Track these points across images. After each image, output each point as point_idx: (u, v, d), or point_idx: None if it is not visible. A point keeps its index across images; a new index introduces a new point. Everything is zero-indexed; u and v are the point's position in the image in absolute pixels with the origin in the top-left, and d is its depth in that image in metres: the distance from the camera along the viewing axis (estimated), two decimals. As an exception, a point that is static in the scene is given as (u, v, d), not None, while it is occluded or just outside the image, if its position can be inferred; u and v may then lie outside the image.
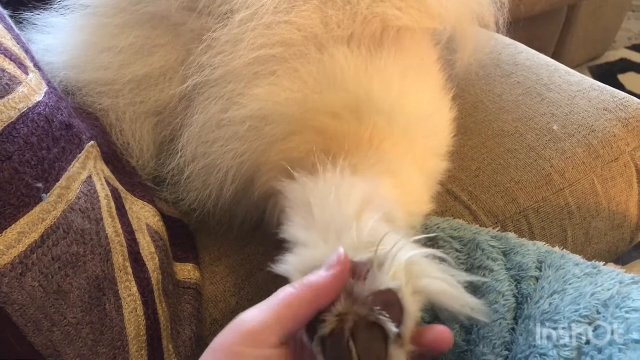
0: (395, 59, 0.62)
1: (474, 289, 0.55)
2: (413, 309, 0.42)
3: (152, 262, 0.59)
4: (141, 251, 0.59)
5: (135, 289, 0.56)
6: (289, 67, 0.59)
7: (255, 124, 0.59)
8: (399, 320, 0.41)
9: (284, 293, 0.40)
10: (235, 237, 0.71)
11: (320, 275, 0.40)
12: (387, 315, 0.40)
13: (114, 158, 0.66)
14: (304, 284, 0.40)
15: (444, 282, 0.44)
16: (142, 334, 0.55)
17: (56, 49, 0.69)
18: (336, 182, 0.51)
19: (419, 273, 0.43)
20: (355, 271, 0.43)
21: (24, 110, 0.52)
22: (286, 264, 0.46)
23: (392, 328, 0.40)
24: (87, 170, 0.57)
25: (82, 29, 0.68)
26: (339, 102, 0.59)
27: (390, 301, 0.41)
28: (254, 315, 0.39)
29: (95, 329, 0.51)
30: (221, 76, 0.61)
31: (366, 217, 0.47)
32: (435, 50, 0.72)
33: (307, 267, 0.44)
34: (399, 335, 0.40)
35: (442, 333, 0.42)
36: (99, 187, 0.57)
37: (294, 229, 0.50)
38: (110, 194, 0.59)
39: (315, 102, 0.59)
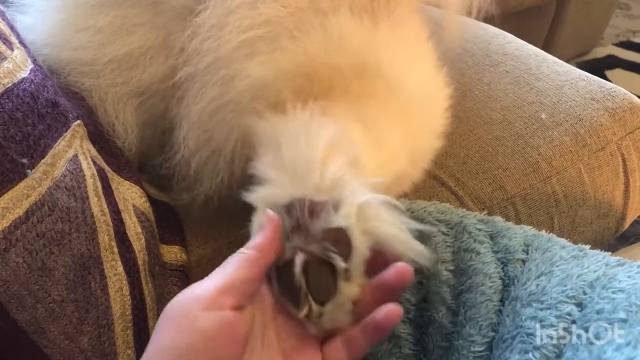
0: (395, 31, 0.62)
1: (461, 272, 0.55)
2: (361, 247, 0.45)
3: (138, 242, 0.59)
4: (127, 231, 0.58)
5: (121, 269, 0.55)
6: (288, 36, 0.59)
7: (256, 93, 0.59)
8: (346, 256, 0.44)
9: (231, 258, 0.43)
10: (222, 219, 0.70)
11: (261, 236, 0.44)
12: (336, 251, 0.44)
13: (100, 138, 0.65)
14: (248, 246, 0.44)
15: (392, 226, 0.46)
16: (127, 313, 0.55)
17: (36, 27, 0.68)
18: (306, 121, 0.52)
19: (370, 216, 0.46)
20: (314, 210, 0.46)
21: (8, 86, 0.51)
22: (255, 194, 0.49)
23: (340, 263, 0.44)
24: (73, 149, 0.57)
25: (58, 8, 0.67)
26: (348, 62, 0.59)
27: (340, 239, 0.45)
28: (207, 283, 0.41)
29: (80, 307, 0.51)
30: (211, 62, 0.60)
31: (331, 160, 0.49)
32: (425, 28, 0.72)
33: (272, 202, 0.47)
34: (346, 270, 0.44)
35: (402, 269, 0.44)
36: (84, 166, 0.57)
37: (263, 167, 0.51)
38: (96, 173, 0.58)
39: (322, 59, 0.58)
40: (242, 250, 0.44)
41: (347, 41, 0.59)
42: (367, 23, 0.61)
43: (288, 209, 0.47)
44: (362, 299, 0.45)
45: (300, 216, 0.46)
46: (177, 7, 0.62)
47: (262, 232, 0.44)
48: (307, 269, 0.44)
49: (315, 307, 0.44)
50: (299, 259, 0.44)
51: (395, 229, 0.46)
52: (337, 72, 0.59)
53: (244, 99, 0.59)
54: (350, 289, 0.44)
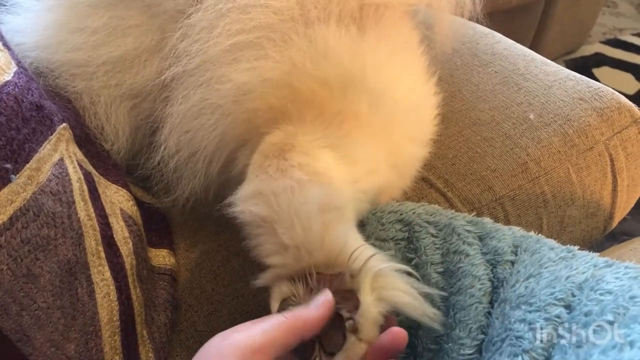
0: (381, 41, 0.62)
1: (450, 274, 0.55)
2: (372, 309, 0.48)
3: (125, 246, 0.58)
4: (114, 235, 0.58)
5: (108, 274, 0.55)
6: (275, 44, 0.59)
7: (239, 98, 0.59)
8: (353, 310, 0.47)
9: (276, 319, 0.44)
10: (210, 223, 0.70)
11: (309, 310, 0.46)
12: (344, 305, 0.48)
13: (86, 141, 0.64)
14: (294, 315, 0.45)
15: (406, 294, 0.49)
16: (115, 319, 0.54)
17: (26, 29, 0.67)
18: (287, 196, 0.52)
19: (384, 284, 0.49)
20: (331, 281, 0.49)
21: (-9, 89, 0.50)
22: (265, 277, 0.52)
23: (346, 314, 0.47)
24: (59, 153, 0.56)
25: (51, 9, 0.66)
26: (333, 73, 0.58)
27: (349, 296, 0.48)
28: (249, 334, 0.43)
29: (67, 314, 0.50)
30: (199, 65, 0.60)
31: (331, 232, 0.51)
32: (416, 32, 0.72)
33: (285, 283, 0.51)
34: (354, 323, 0.47)
35: (397, 334, 0.47)
36: (70, 169, 0.56)
37: (267, 256, 0.53)
38: (82, 177, 0.57)
39: (307, 69, 0.58)
40: (286, 314, 0.45)
41: (332, 51, 0.59)
42: (353, 32, 0.60)
43: (303, 279, 0.50)
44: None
45: (313, 286, 0.49)
46: (171, 10, 0.62)
47: (314, 309, 0.46)
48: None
49: (324, 357, 0.47)
50: None
51: (408, 297, 0.49)
52: (322, 85, 0.58)
53: (226, 103, 0.59)
54: (359, 345, 0.47)
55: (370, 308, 0.48)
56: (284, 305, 0.50)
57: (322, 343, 0.47)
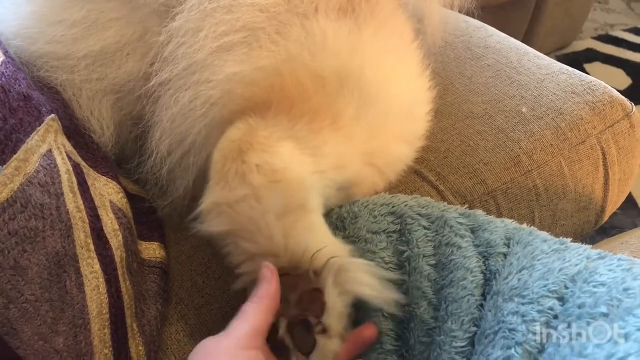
0: (378, 35, 0.61)
1: (442, 267, 0.55)
2: (337, 304, 0.52)
3: (115, 239, 0.58)
4: (104, 228, 0.57)
5: (97, 266, 0.54)
6: (269, 37, 0.58)
7: (231, 86, 0.58)
8: (319, 312, 0.52)
9: (250, 307, 0.49)
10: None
11: (267, 286, 0.51)
12: (309, 310, 0.52)
13: (76, 133, 0.63)
14: (260, 297, 0.50)
15: (367, 286, 0.53)
16: (104, 312, 0.54)
17: (5, 19, 0.66)
18: (245, 208, 0.54)
19: (346, 278, 0.53)
20: (296, 283, 0.53)
21: (-22, 79, 0.49)
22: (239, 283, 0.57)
23: (313, 319, 0.52)
24: (47, 144, 0.55)
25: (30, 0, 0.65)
26: (330, 66, 0.58)
27: (316, 298, 0.52)
28: (239, 330, 0.48)
29: (55, 307, 0.50)
30: (185, 68, 0.59)
31: (292, 236, 0.54)
32: (409, 25, 0.71)
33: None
34: (323, 327, 0.52)
35: (365, 329, 0.54)
36: (59, 161, 0.55)
37: (237, 265, 0.56)
38: (71, 169, 0.57)
39: (305, 60, 0.58)
40: (253, 300, 0.50)
41: (330, 43, 0.59)
42: (350, 26, 0.60)
43: None
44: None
45: (284, 286, 0.52)
46: (154, 4, 0.61)
47: (268, 282, 0.51)
48: (292, 329, 0.52)
49: (302, 358, 0.52)
50: (282, 324, 0.52)
51: (368, 288, 0.53)
52: (315, 78, 0.58)
53: (216, 93, 0.58)
54: (331, 342, 0.52)
55: (335, 305, 0.52)
56: None
57: (296, 346, 0.52)
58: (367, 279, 0.53)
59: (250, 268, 0.55)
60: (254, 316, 0.49)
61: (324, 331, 0.52)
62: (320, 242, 0.54)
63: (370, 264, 0.55)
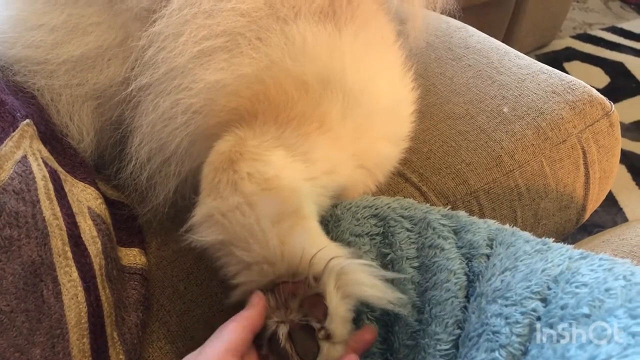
0: (359, 37, 0.61)
1: (425, 269, 0.55)
2: (340, 309, 0.51)
3: (93, 246, 0.57)
4: (82, 235, 0.56)
5: (75, 275, 0.53)
6: (250, 43, 0.57)
7: (212, 95, 0.57)
8: (321, 317, 0.50)
9: (227, 326, 0.49)
10: (182, 221, 0.68)
11: (251, 308, 0.51)
12: (310, 314, 0.50)
13: (52, 138, 0.62)
14: (241, 315, 0.50)
15: (369, 287, 0.52)
16: (83, 321, 0.53)
17: None
18: (238, 216, 0.53)
19: (347, 281, 0.51)
20: (295, 290, 0.52)
21: (-51, 84, 0.48)
22: (234, 296, 0.55)
23: (316, 324, 0.50)
24: (22, 150, 0.54)
25: (7, 3, 0.64)
26: (312, 70, 0.58)
27: (317, 303, 0.51)
28: (214, 345, 0.47)
29: (31, 317, 0.49)
30: (166, 73, 0.58)
31: (288, 243, 0.52)
32: (391, 26, 0.71)
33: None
34: (326, 331, 0.50)
35: (365, 333, 0.54)
36: (35, 167, 0.54)
37: (232, 276, 0.54)
38: (48, 175, 0.55)
39: (287, 65, 0.57)
40: (234, 318, 0.50)
41: (310, 47, 0.58)
42: (330, 29, 0.60)
43: (271, 290, 0.53)
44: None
45: (279, 297, 0.52)
46: (135, 8, 0.60)
47: (253, 306, 0.51)
48: (292, 336, 0.50)
49: None
50: (282, 330, 0.50)
51: (371, 290, 0.52)
52: (297, 84, 0.57)
53: (198, 101, 0.57)
54: (334, 348, 0.51)
55: (337, 309, 0.51)
56: None
57: (298, 353, 0.50)
58: (368, 280, 0.52)
59: (247, 278, 0.53)
60: (228, 334, 0.48)
61: (328, 337, 0.50)
62: (317, 246, 0.53)
63: (370, 264, 0.54)
